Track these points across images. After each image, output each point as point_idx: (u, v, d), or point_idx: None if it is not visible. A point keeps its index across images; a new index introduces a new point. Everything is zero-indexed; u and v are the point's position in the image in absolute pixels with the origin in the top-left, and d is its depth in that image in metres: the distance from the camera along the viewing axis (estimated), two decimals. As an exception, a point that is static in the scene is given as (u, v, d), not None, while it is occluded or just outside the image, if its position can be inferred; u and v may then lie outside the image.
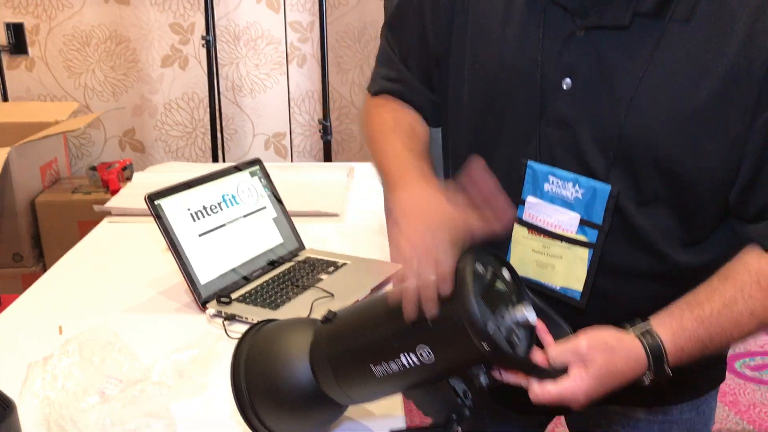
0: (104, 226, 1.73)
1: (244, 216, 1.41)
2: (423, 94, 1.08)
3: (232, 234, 1.37)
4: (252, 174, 1.48)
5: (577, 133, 0.89)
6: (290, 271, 1.39)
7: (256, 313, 1.22)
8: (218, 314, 1.24)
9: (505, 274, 0.80)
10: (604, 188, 0.87)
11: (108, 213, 1.80)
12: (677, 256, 0.91)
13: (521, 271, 0.89)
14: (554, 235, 0.93)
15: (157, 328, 1.21)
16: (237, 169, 1.46)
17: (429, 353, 0.74)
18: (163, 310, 1.28)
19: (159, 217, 1.26)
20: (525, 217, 0.94)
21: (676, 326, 0.83)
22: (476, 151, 0.95)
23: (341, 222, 1.74)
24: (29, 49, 3.11)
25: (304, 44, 3.18)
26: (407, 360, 0.75)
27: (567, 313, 0.87)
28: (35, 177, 2.61)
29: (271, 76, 3.22)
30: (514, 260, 0.97)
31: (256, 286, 1.33)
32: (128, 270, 1.46)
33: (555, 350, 0.80)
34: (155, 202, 1.27)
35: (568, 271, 0.93)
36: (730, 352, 2.68)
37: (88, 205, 2.46)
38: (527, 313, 0.77)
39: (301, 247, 1.49)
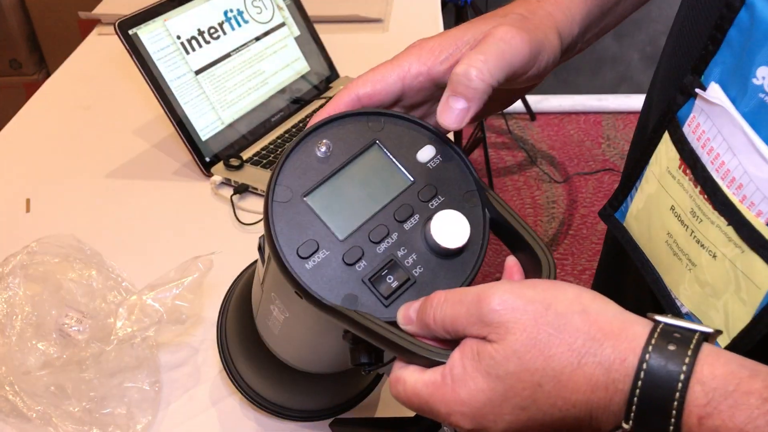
0: (92, 42, 1.39)
1: (256, 39, 1.06)
2: None
3: (241, 66, 1.03)
4: (265, -23, 1.10)
5: None
6: (320, 113, 1.07)
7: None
8: (226, 182, 0.95)
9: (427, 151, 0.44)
10: None
11: (98, 21, 1.46)
12: None
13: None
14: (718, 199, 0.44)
15: (145, 206, 0.94)
16: (243, -28, 1.08)
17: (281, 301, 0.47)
18: (154, 174, 0.99)
19: (137, 52, 0.93)
20: (686, 127, 0.46)
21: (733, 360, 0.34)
22: None
23: (384, 32, 1.36)
24: None
25: None
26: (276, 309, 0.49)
27: None
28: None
29: None
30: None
31: (277, 138, 1.02)
32: (116, 109, 1.15)
33: (439, 301, 0.38)
34: (129, 33, 0.92)
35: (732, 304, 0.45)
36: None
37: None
38: (434, 232, 0.41)
39: (334, 75, 1.15)
